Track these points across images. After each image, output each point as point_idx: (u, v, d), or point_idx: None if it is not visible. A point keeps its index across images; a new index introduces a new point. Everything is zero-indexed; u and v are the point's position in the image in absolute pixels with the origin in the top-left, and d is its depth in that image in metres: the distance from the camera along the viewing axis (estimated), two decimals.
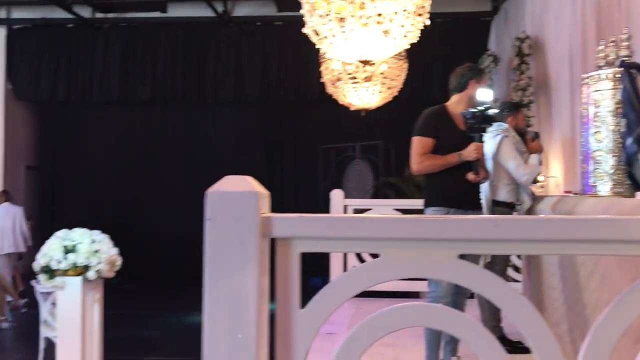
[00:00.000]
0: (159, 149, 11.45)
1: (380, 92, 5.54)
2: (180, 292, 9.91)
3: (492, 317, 3.96)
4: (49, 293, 4.98)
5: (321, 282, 9.00)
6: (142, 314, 8.08)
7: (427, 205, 3.60)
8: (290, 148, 11.51)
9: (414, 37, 4.20)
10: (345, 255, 5.83)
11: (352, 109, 6.22)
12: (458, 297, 3.45)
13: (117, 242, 5.01)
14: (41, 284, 4.85)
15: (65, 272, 4.57)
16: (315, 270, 9.58)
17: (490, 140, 4.02)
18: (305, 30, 4.12)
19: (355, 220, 1.46)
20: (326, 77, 5.85)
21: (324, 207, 6.68)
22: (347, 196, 6.11)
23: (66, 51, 10.84)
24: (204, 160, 11.34)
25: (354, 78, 5.05)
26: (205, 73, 10.76)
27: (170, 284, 10.40)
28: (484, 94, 4.61)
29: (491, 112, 3.55)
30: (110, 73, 10.75)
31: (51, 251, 4.60)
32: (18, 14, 10.87)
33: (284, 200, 10.16)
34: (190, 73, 10.75)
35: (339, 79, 5.42)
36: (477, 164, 3.49)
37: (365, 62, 4.09)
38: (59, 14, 10.44)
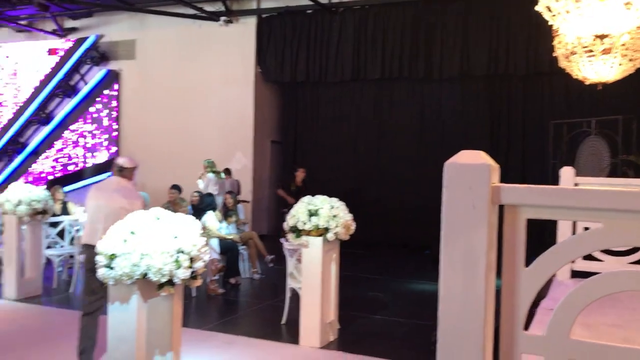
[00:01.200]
0: (388, 124, 11.99)
1: (620, 64, 5.18)
2: (402, 261, 10.45)
3: None
4: (294, 250, 5.74)
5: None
6: (367, 277, 8.72)
7: None
8: (517, 123, 11.17)
9: None
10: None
11: (587, 82, 5.91)
12: None
13: (348, 209, 5.59)
14: (289, 242, 5.64)
15: (309, 233, 5.26)
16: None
17: None
18: (537, 8, 4.09)
19: (578, 191, 1.60)
20: (559, 52, 5.64)
21: (553, 184, 6.48)
22: (579, 174, 5.88)
23: (306, 35, 11.92)
24: (430, 135, 11.62)
25: (590, 51, 4.81)
26: (433, 49, 10.97)
27: (393, 252, 10.98)
28: None
29: None
30: (344, 53, 11.56)
31: (298, 214, 5.31)
32: (266, 4, 12.20)
33: (510, 174, 9.96)
34: (417, 49, 11.06)
35: (573, 53, 5.20)
36: None
37: (602, 37, 3.91)
38: (301, 1, 11.50)
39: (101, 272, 3.27)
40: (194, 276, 3.37)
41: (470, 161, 1.69)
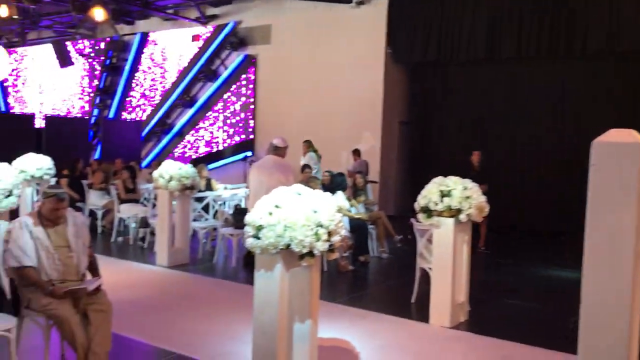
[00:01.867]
0: (522, 105, 11.52)
1: None
2: (535, 246, 10.07)
3: None
4: (425, 230, 5.79)
5: None
6: (499, 261, 8.54)
7: None
8: None
9: None
10: None
11: None
12: None
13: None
14: (419, 222, 5.69)
15: (440, 213, 5.29)
16: None
17: None
18: None
19: None
20: None
21: None
22: None
23: (438, 14, 11.72)
24: (568, 117, 11.01)
25: None
26: (574, 26, 10.32)
27: (525, 236, 10.62)
28: None
29: None
30: (477, 31, 11.23)
31: (430, 194, 5.34)
32: None
33: None
34: (557, 26, 10.46)
35: None
36: None
37: None
38: None
39: (249, 242, 3.56)
40: (331, 249, 3.57)
41: (620, 140, 1.68)
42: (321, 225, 3.49)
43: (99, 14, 8.56)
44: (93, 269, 4.35)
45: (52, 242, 4.09)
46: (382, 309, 5.90)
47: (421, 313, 5.67)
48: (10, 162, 6.91)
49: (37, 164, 8.78)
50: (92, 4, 10.56)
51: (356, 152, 11.75)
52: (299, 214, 3.47)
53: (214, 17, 14.37)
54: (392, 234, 8.58)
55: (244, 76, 14.06)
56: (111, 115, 16.39)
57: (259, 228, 3.50)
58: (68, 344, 3.87)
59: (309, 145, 11.30)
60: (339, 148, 12.20)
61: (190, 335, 4.99)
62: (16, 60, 18.60)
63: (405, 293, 6.32)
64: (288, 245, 3.44)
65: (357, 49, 12.30)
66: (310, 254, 3.47)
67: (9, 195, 5.80)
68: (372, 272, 7.82)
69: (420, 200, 5.42)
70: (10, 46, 17.64)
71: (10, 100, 19.03)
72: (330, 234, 3.52)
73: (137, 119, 15.84)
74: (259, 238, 3.51)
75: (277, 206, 3.53)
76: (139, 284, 6.64)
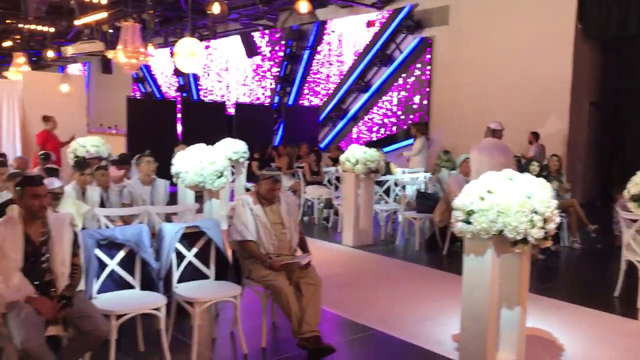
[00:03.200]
0: None
1: None
2: None
3: None
4: (634, 220, 5.35)
5: None
6: None
7: None
8: None
9: None
10: None
11: None
12: None
13: None
14: (629, 211, 5.28)
15: None
16: None
17: None
18: None
19: None
20: None
21: None
22: None
23: None
24: None
25: None
26: None
27: None
28: None
29: None
30: None
31: None
32: None
33: None
34: None
35: None
36: None
37: None
38: None
39: (458, 227, 3.59)
40: (545, 237, 3.47)
41: None
42: (536, 212, 3.41)
43: (303, 6, 9.06)
44: (303, 245, 4.69)
45: (269, 219, 4.48)
46: (579, 301, 5.59)
47: (627, 308, 5.29)
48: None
49: (234, 147, 9.60)
50: None
51: (534, 135, 11.17)
52: (512, 200, 3.42)
53: (389, 1, 14.45)
54: (585, 222, 8.06)
55: (419, 59, 13.99)
56: (291, 101, 17.29)
57: (470, 213, 3.51)
58: (283, 312, 4.23)
59: (417, 130, 11.50)
60: (519, 131, 11.68)
61: (385, 313, 5.17)
62: (209, 54, 20.34)
63: (605, 286, 5.94)
64: (501, 231, 3.41)
65: (542, 25, 11.60)
66: (524, 240, 3.41)
67: (220, 176, 6.43)
68: (564, 263, 7.42)
69: (631, 188, 5.04)
70: (201, 39, 19.32)
71: (197, 89, 20.92)
72: (545, 221, 3.43)
73: (315, 104, 16.53)
74: (469, 223, 3.52)
75: (489, 191, 3.51)
76: (329, 262, 6.99)
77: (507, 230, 3.39)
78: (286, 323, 4.31)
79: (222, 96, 19.55)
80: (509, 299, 3.70)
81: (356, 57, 15.46)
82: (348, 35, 15.70)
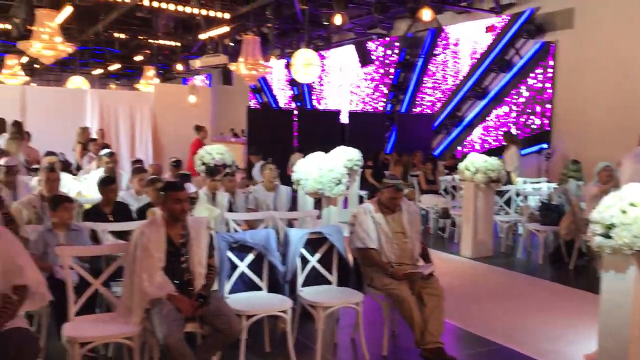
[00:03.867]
0: None
1: None
2: None
3: None
4: None
5: None
6: None
7: None
8: None
9: None
10: None
11: None
12: None
13: None
14: None
15: None
16: None
17: None
18: None
19: None
20: None
21: None
22: None
23: None
24: None
25: None
26: None
27: None
28: None
29: None
30: None
31: None
32: None
33: None
34: None
35: None
36: None
37: None
38: None
39: (596, 241, 3.40)
40: None
41: None
42: None
43: (426, 14, 9.07)
44: (425, 255, 4.65)
45: (390, 228, 4.49)
46: None
47: None
48: None
49: (348, 155, 9.70)
50: (418, 5, 11.23)
51: None
52: None
53: (509, 5, 13.96)
54: None
55: (540, 64, 13.38)
56: (403, 109, 17.20)
57: (610, 227, 3.31)
58: (405, 322, 4.21)
59: (510, 140, 10.81)
60: None
61: (510, 328, 4.99)
62: (323, 64, 20.77)
63: None
64: None
65: None
66: None
67: (338, 184, 6.53)
68: None
69: None
70: (316, 50, 19.77)
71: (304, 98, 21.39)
72: None
73: (428, 112, 16.33)
74: (608, 237, 3.32)
75: (632, 204, 3.30)
76: (447, 273, 6.84)
77: None
78: (406, 332, 4.29)
79: (335, 105, 19.86)
80: None
81: (473, 63, 15.09)
82: (465, 42, 15.37)
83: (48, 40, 9.46)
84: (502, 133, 13.06)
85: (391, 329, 4.74)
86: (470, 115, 15.23)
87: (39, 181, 5.35)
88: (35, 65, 22.13)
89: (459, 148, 15.27)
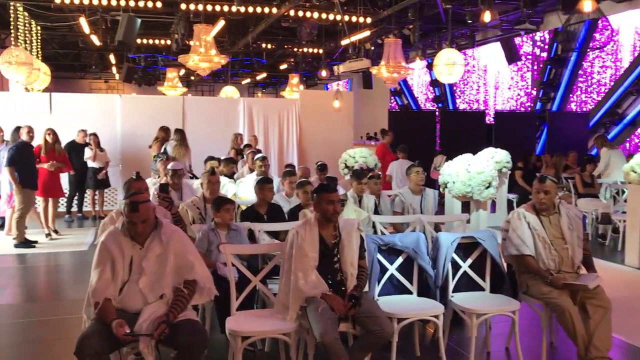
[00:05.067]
0: None
1: None
2: None
3: None
4: None
5: None
6: None
7: None
8: None
9: None
10: None
11: None
12: None
13: None
14: None
15: None
16: None
17: None
18: None
19: None
20: None
21: None
22: None
23: None
24: None
25: None
26: None
27: None
28: None
29: None
30: None
31: None
32: None
33: None
34: None
35: None
36: None
37: None
38: None
39: None
40: None
41: None
42: None
43: (587, 5, 8.53)
44: (588, 263, 4.32)
45: (548, 233, 4.23)
46: None
47: None
48: None
49: (496, 157, 9.32)
50: None
51: None
52: None
53: None
54: None
55: None
56: (555, 107, 16.20)
57: None
58: (566, 333, 3.94)
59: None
60: None
61: None
62: (467, 63, 20.20)
63: None
64: None
65: None
66: None
67: (488, 187, 6.29)
68: None
69: None
70: (459, 49, 19.25)
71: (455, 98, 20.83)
72: None
73: (583, 110, 15.22)
74: None
75: None
76: (611, 283, 6.22)
77: None
78: (566, 344, 4.02)
79: (482, 104, 19.20)
80: None
81: (636, 56, 13.80)
82: (626, 32, 14.11)
83: (204, 53, 10.16)
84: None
85: (549, 339, 4.46)
86: (633, 112, 13.96)
87: (201, 184, 5.75)
88: (191, 77, 23.96)
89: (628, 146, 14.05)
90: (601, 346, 3.80)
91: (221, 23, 12.79)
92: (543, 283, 4.08)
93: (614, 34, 14.49)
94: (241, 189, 7.33)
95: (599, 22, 14.73)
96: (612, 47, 14.52)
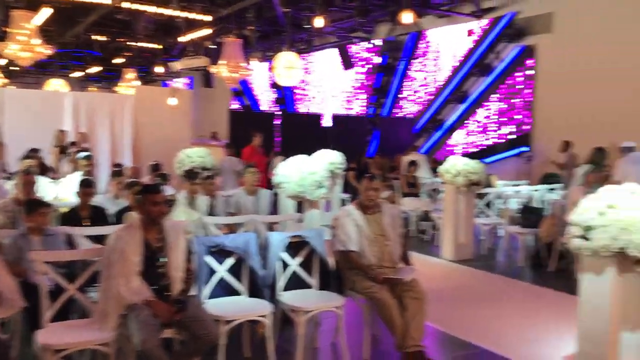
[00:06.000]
0: None
1: None
2: None
3: None
4: None
5: None
6: None
7: None
8: None
9: None
10: None
11: None
12: None
13: None
14: None
15: None
16: None
17: None
18: None
19: None
20: None
21: None
22: None
23: None
24: None
25: None
26: None
27: None
28: None
29: None
30: None
31: None
32: None
33: None
34: None
35: None
36: None
37: None
38: None
39: (575, 243, 3.41)
40: None
41: None
42: None
43: (407, 17, 9.01)
44: (405, 258, 4.63)
45: (371, 230, 4.47)
46: None
47: None
48: None
49: (329, 158, 9.67)
50: (399, 8, 11.08)
51: None
52: (636, 216, 3.21)
53: (490, 9, 14.07)
54: None
55: (520, 68, 13.51)
56: (385, 112, 17.24)
57: (588, 229, 3.33)
58: (386, 325, 4.19)
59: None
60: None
61: (490, 331, 5.00)
62: (305, 67, 20.74)
63: None
64: (623, 249, 3.21)
65: None
66: None
67: (320, 187, 6.49)
68: None
69: None
70: (299, 53, 19.73)
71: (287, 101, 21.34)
72: None
73: (410, 115, 16.38)
74: (587, 239, 3.33)
75: (610, 206, 3.31)
76: (428, 275, 6.79)
77: (631, 248, 3.18)
78: (387, 336, 4.27)
79: (318, 108, 19.84)
80: (631, 321, 3.45)
81: (454, 67, 15.17)
82: (446, 46, 15.45)
83: (25, 42, 9.32)
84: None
85: (372, 332, 4.71)
86: (451, 119, 15.31)
87: (14, 185, 5.24)
88: (11, 68, 21.80)
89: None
90: (416, 336, 4.09)
91: (47, 11, 11.81)
92: (366, 278, 4.29)
93: (434, 45, 15.79)
94: (62, 190, 6.80)
95: (423, 34, 15.98)
96: (434, 58, 15.82)
